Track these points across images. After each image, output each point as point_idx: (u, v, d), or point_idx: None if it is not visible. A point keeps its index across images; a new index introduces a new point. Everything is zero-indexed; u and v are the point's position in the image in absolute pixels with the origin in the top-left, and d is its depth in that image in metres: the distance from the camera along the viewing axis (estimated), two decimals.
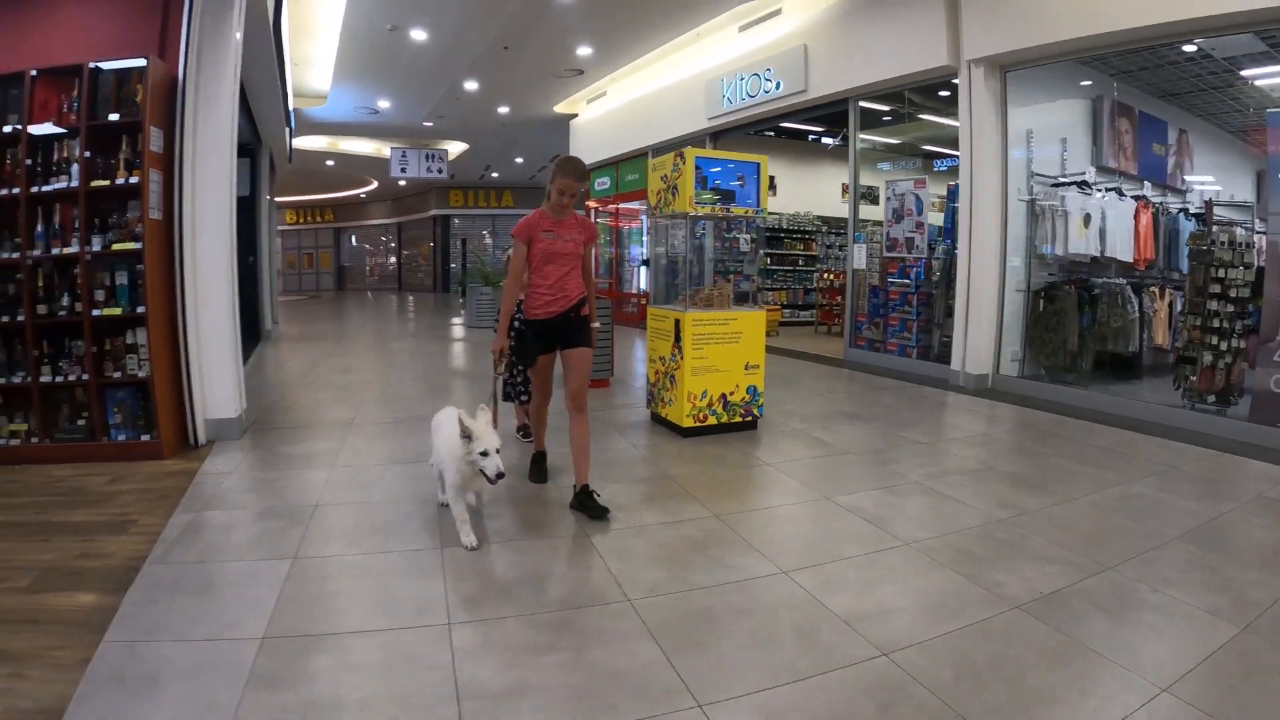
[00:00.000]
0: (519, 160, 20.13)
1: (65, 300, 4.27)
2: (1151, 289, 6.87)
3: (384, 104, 13.83)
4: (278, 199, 18.01)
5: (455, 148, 18.20)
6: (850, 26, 8.16)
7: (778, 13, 9.14)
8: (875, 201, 9.00)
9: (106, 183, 4.26)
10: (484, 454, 2.96)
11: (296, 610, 2.53)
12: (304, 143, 16.68)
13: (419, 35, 9.78)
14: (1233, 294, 5.45)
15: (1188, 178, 7.91)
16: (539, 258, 3.57)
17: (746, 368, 5.23)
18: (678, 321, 5.08)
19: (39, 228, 4.21)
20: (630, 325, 12.70)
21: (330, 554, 3.04)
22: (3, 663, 2.17)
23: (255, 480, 4.10)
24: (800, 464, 4.49)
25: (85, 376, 4.28)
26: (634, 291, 14.16)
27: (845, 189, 9.96)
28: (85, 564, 2.88)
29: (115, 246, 4.27)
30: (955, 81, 7.16)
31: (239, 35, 4.81)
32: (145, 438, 4.38)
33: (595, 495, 3.52)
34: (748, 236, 6.51)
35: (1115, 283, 6.83)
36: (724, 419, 5.18)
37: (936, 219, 8.19)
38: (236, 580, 2.78)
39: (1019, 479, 4.20)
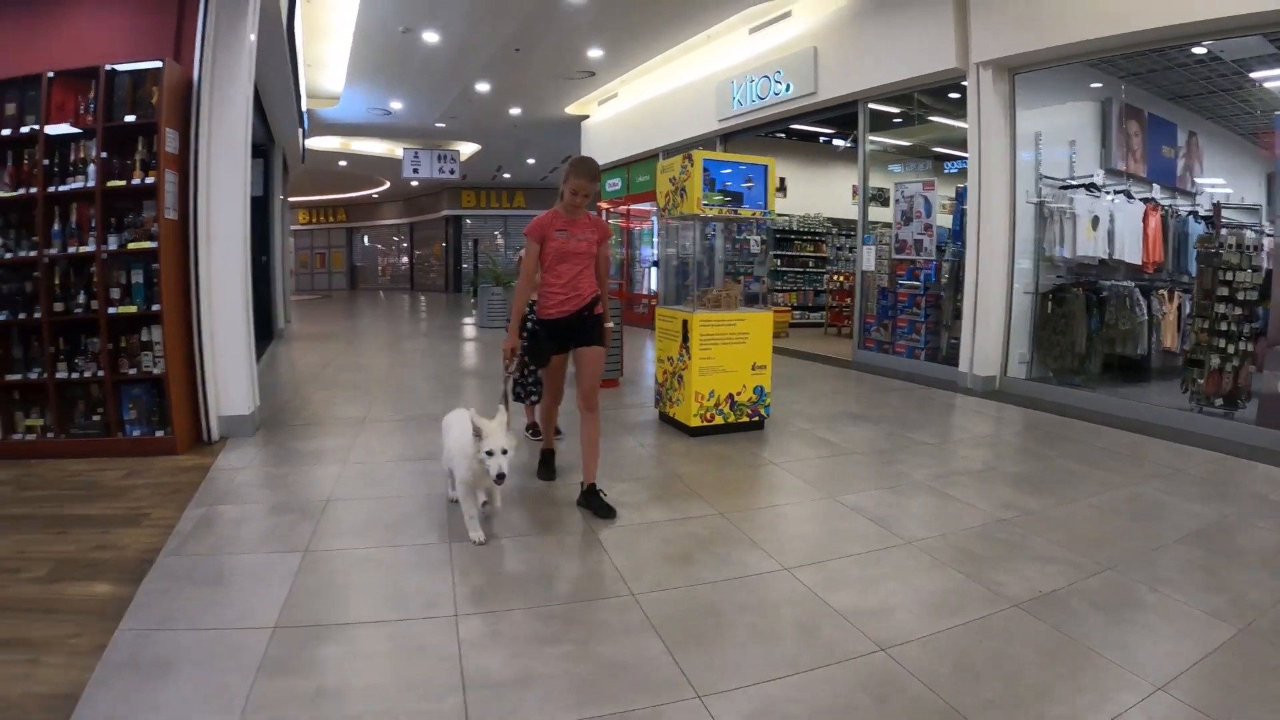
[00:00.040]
0: (531, 161, 20.19)
1: (81, 298, 4.34)
2: (1160, 292, 6.83)
3: (396, 105, 13.91)
4: (291, 199, 18.16)
5: (467, 149, 18.26)
6: (860, 29, 8.18)
7: (788, 15, 9.16)
8: (885, 203, 9.01)
9: (123, 183, 4.34)
10: (489, 453, 3.00)
11: (307, 601, 2.59)
12: (317, 143, 16.82)
13: (431, 37, 9.86)
14: (1241, 297, 5.43)
15: (1197, 180, 7.86)
16: (552, 257, 3.59)
17: (754, 368, 5.25)
18: (685, 322, 5.11)
19: (56, 227, 4.29)
20: (641, 326, 12.72)
21: (341, 547, 3.10)
22: (22, 649, 2.24)
23: (268, 475, 4.17)
24: (806, 464, 4.51)
25: (101, 373, 4.36)
26: (644, 293, 14.18)
27: (855, 191, 9.97)
28: (101, 555, 2.95)
29: (131, 245, 4.34)
30: (964, 84, 7.16)
31: (253, 37, 4.88)
32: (160, 433, 4.45)
33: (602, 494, 3.56)
34: (758, 238, 6.53)
35: (1124, 285, 6.80)
36: (731, 419, 5.21)
37: (946, 221, 8.18)
38: (249, 572, 2.84)
39: (1023, 480, 4.21)
